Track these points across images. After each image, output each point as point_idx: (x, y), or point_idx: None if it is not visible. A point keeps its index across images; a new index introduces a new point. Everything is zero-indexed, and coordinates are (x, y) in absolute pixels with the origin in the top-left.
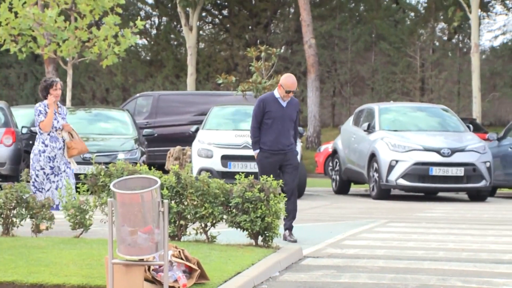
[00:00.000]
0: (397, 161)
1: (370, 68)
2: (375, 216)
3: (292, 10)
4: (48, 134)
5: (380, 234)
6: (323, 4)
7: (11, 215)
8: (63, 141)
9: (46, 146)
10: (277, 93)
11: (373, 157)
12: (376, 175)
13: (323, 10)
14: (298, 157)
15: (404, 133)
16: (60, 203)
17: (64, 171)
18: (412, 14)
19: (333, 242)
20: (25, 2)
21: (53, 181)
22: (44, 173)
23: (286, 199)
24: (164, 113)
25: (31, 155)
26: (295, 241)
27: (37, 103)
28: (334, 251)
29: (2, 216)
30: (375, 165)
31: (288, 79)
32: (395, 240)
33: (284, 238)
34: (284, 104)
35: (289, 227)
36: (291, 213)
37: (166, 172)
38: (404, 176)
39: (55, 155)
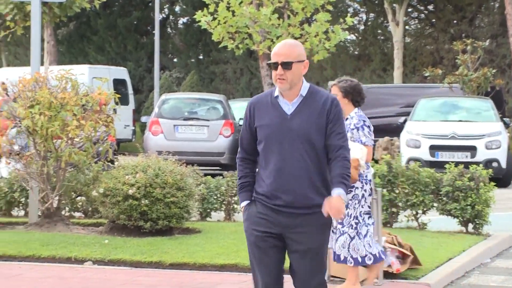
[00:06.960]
0: None
1: None
2: None
3: (497, 4)
4: None
5: None
6: None
7: (232, 201)
8: None
9: None
10: (277, 89)
11: None
12: None
13: None
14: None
15: None
16: None
17: None
18: None
19: None
20: (241, 2)
21: None
22: None
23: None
24: (372, 105)
25: None
26: None
27: None
28: None
29: (224, 202)
30: None
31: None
32: None
33: None
34: (288, 108)
35: None
36: None
37: (375, 161)
38: None
39: None
